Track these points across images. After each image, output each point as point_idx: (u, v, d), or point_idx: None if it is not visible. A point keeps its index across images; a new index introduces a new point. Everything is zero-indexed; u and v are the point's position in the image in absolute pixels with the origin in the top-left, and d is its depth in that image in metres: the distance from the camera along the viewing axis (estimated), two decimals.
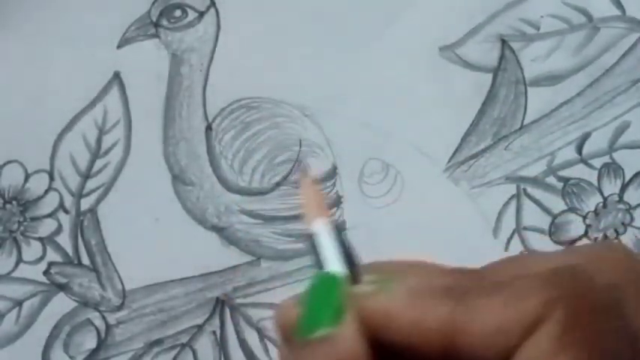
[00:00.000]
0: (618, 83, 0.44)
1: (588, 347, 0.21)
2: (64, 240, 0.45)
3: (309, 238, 0.25)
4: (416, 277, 0.23)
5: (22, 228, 0.45)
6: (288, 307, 0.24)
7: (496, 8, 0.45)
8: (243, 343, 0.44)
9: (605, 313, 0.22)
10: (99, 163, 0.45)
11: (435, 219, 0.43)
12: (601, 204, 0.44)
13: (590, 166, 0.44)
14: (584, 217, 0.44)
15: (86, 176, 0.45)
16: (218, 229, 0.45)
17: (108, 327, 0.44)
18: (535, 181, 0.44)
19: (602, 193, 0.44)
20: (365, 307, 0.23)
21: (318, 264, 0.24)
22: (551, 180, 0.44)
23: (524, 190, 0.44)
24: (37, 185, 0.45)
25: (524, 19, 0.45)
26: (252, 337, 0.44)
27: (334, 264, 0.24)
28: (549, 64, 0.45)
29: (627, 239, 0.44)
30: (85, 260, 0.45)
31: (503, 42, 0.45)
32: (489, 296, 0.22)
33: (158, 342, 0.44)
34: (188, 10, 0.46)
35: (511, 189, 0.44)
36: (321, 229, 0.24)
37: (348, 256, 0.24)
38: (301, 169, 0.29)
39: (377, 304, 0.23)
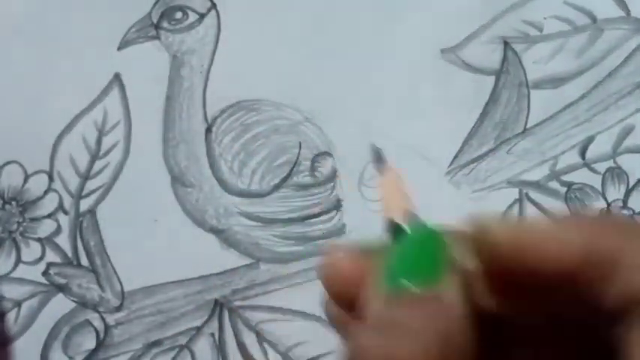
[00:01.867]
0: (622, 85, 0.44)
1: None
2: (64, 241, 0.45)
3: (393, 229, 0.22)
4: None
5: (21, 228, 0.45)
6: (345, 258, 0.22)
7: (499, 10, 0.44)
8: (241, 346, 0.43)
9: None
10: (98, 165, 0.45)
11: (436, 223, 0.43)
12: (605, 209, 0.43)
13: (594, 171, 0.43)
14: None
15: (86, 177, 0.45)
16: (217, 231, 0.45)
17: (107, 328, 0.44)
18: (538, 186, 0.43)
19: (605, 199, 0.43)
20: (499, 234, 0.21)
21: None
22: (554, 184, 0.43)
23: (527, 194, 0.43)
24: (36, 186, 0.45)
25: (527, 20, 0.44)
26: (250, 340, 0.43)
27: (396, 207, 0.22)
28: (552, 67, 0.44)
29: None
30: (84, 261, 0.45)
31: (506, 44, 0.44)
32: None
33: (157, 343, 0.44)
34: (189, 12, 0.46)
35: (513, 193, 0.43)
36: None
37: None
38: (378, 158, 0.27)
39: (512, 230, 0.21)
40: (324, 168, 0.45)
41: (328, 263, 0.23)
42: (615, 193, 0.43)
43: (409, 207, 0.23)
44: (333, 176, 0.45)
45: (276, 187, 0.45)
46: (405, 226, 0.22)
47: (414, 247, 0.22)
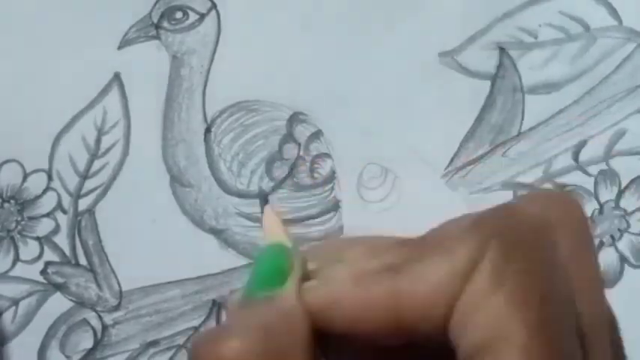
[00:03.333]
0: (614, 91, 0.45)
1: (525, 278, 0.21)
2: (62, 240, 0.45)
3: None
4: (357, 258, 0.24)
5: (19, 227, 0.45)
6: (239, 290, 0.25)
7: (495, 16, 0.46)
8: None
9: (539, 245, 0.22)
10: (97, 164, 0.45)
11: (432, 224, 0.44)
12: (597, 210, 0.44)
13: (587, 173, 0.45)
14: None
15: (84, 176, 0.45)
16: (216, 232, 0.45)
17: (104, 327, 0.44)
18: (532, 188, 0.45)
19: (598, 200, 0.44)
20: (309, 302, 0.23)
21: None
22: (548, 187, 0.45)
23: None
24: (35, 185, 0.45)
25: (522, 27, 0.46)
26: None
27: (281, 238, 0.25)
28: (547, 73, 0.45)
29: (624, 245, 0.44)
30: (83, 260, 0.44)
31: (502, 50, 0.46)
32: (425, 259, 0.22)
33: (154, 343, 0.44)
34: (189, 12, 0.46)
35: (508, 195, 0.45)
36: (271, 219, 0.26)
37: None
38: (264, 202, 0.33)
39: (320, 296, 0.23)
40: (323, 169, 0.45)
41: (229, 295, 0.26)
42: (607, 194, 0.45)
43: (281, 235, 0.25)
44: (331, 178, 0.45)
45: (275, 188, 0.45)
46: (266, 246, 0.25)
47: (266, 262, 0.24)
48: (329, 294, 0.23)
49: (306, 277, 0.24)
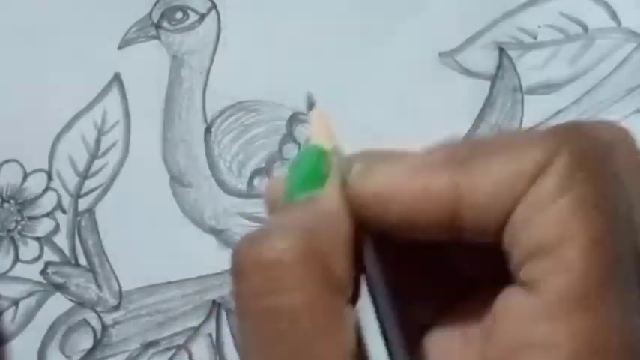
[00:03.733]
0: (613, 92, 0.45)
1: (593, 186, 0.21)
2: (62, 240, 0.45)
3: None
4: (412, 155, 0.23)
5: (19, 227, 0.45)
6: (276, 182, 0.25)
7: (495, 17, 0.46)
8: (239, 347, 0.44)
9: (606, 159, 0.22)
10: (97, 164, 0.45)
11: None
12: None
13: None
14: None
15: (84, 176, 0.45)
16: (216, 232, 0.45)
17: (104, 327, 0.44)
18: None
19: None
20: (361, 191, 0.23)
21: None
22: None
23: None
24: (35, 185, 0.45)
25: (522, 28, 0.46)
26: None
27: (322, 140, 0.25)
28: (546, 73, 0.46)
29: None
30: (82, 260, 0.44)
31: (502, 50, 0.46)
32: (490, 156, 0.22)
33: (154, 343, 0.44)
34: (189, 12, 0.46)
35: None
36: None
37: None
38: (310, 103, 0.32)
39: (374, 185, 0.23)
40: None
41: (266, 186, 0.26)
42: None
43: (323, 137, 0.25)
44: None
45: None
46: (303, 149, 0.26)
47: (303, 164, 0.24)
48: (386, 180, 0.22)
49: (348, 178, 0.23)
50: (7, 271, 0.44)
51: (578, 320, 0.20)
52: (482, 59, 0.46)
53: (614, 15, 0.46)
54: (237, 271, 0.22)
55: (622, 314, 0.21)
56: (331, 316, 0.21)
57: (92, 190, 0.45)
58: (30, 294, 0.44)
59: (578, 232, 0.21)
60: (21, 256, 0.44)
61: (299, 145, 0.45)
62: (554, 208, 0.21)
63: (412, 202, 0.22)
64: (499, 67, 0.46)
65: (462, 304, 0.25)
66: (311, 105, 0.37)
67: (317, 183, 0.23)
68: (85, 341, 0.44)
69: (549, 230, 0.21)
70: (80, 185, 0.45)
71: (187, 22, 0.46)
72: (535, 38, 0.46)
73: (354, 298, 0.23)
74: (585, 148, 0.22)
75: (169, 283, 0.44)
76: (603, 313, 0.20)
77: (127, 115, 0.45)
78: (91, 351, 0.44)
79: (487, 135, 0.24)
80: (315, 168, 0.24)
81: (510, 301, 0.22)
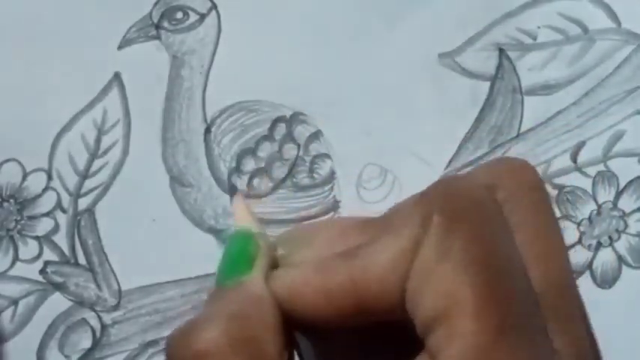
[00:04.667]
0: (613, 93, 0.45)
1: (469, 245, 0.22)
2: (61, 239, 0.45)
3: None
4: (322, 244, 0.24)
5: (19, 226, 0.44)
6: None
7: (495, 17, 0.46)
8: None
9: (481, 213, 0.22)
10: (97, 163, 0.45)
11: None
12: (595, 211, 0.45)
13: (585, 174, 0.45)
14: (579, 225, 0.44)
15: (84, 176, 0.45)
16: (215, 232, 0.45)
17: (103, 327, 0.44)
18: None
19: (596, 201, 0.45)
20: (275, 290, 0.24)
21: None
22: (546, 187, 0.45)
23: None
24: (34, 184, 0.45)
25: (521, 29, 0.46)
26: None
27: (249, 224, 0.25)
28: (546, 74, 0.46)
29: (621, 246, 0.45)
30: (82, 260, 0.44)
31: (501, 51, 0.46)
32: (376, 242, 0.23)
33: (153, 343, 0.44)
34: (189, 12, 0.46)
35: None
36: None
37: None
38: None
39: (284, 284, 0.24)
40: (323, 170, 0.45)
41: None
42: (605, 195, 0.45)
43: (249, 221, 0.27)
44: (331, 178, 0.45)
45: (274, 188, 0.45)
46: (233, 232, 0.27)
47: (233, 248, 0.25)
48: (292, 282, 0.24)
49: (275, 263, 0.24)
50: (6, 271, 0.44)
51: None
52: (482, 60, 0.46)
53: (614, 16, 0.46)
54: None
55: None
56: None
57: (92, 190, 0.45)
58: (29, 293, 0.44)
59: (464, 298, 0.21)
60: (20, 256, 0.44)
61: (298, 146, 0.45)
62: (436, 277, 0.22)
63: (317, 300, 0.23)
64: (499, 67, 0.46)
65: None
66: (233, 190, 0.39)
67: (246, 266, 0.24)
68: (84, 341, 0.44)
69: (437, 301, 0.21)
70: (80, 185, 0.45)
71: (187, 22, 0.46)
72: (535, 39, 0.46)
73: None
74: (456, 208, 0.22)
75: (169, 282, 0.44)
76: None
77: (127, 114, 0.45)
78: (90, 351, 0.44)
79: (383, 215, 0.25)
80: (244, 251, 0.25)
81: None
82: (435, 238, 0.22)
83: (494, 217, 0.23)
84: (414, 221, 0.22)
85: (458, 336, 0.21)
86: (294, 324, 0.24)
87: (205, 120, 0.45)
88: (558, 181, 0.45)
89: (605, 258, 0.45)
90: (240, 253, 0.25)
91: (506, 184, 0.24)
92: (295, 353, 0.25)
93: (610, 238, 0.44)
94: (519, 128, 0.45)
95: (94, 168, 0.45)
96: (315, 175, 0.45)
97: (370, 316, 0.23)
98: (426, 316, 0.22)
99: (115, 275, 0.44)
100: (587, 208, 0.45)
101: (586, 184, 0.45)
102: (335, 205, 0.45)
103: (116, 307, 0.44)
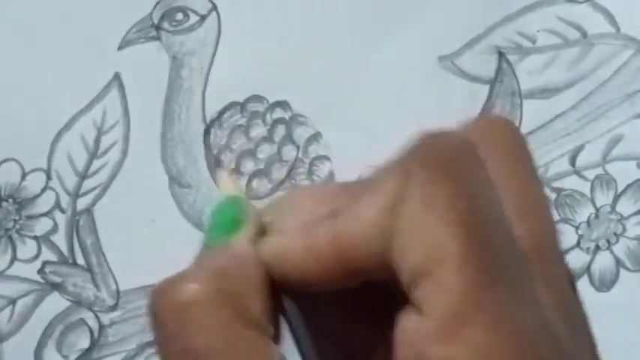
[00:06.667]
0: (611, 97, 0.46)
1: (452, 197, 0.22)
2: (60, 239, 0.44)
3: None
4: (307, 208, 0.24)
5: (17, 226, 0.44)
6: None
7: (494, 21, 0.46)
8: None
9: (464, 165, 0.22)
10: (96, 164, 0.45)
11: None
12: (593, 214, 0.45)
13: (584, 178, 0.45)
14: (577, 228, 0.45)
15: (83, 176, 0.45)
16: None
17: (101, 327, 0.44)
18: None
19: (594, 204, 0.45)
20: (263, 256, 0.24)
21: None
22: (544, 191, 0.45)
23: None
24: (33, 184, 0.45)
25: (521, 32, 0.46)
26: None
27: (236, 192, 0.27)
28: (545, 78, 0.46)
29: (619, 250, 0.45)
30: (80, 260, 0.44)
31: (501, 54, 0.46)
32: (359, 200, 0.23)
33: (151, 343, 0.44)
34: (190, 13, 0.46)
35: None
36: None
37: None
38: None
39: (271, 249, 0.24)
40: (322, 172, 0.46)
41: None
42: (604, 198, 0.45)
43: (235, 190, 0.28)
44: (330, 180, 0.45)
45: (274, 189, 0.45)
46: (223, 198, 0.27)
47: (222, 212, 0.25)
48: (278, 245, 0.24)
49: (262, 229, 0.25)
50: (4, 270, 0.44)
51: (470, 335, 0.21)
52: (482, 63, 0.46)
53: (613, 21, 0.46)
54: (153, 314, 0.23)
55: (512, 314, 0.21)
56: (249, 355, 0.22)
57: (91, 190, 0.45)
58: (27, 293, 0.44)
59: (450, 251, 0.21)
60: (18, 255, 0.44)
61: (298, 147, 0.45)
62: (420, 230, 0.21)
63: (303, 261, 0.23)
64: (498, 71, 0.46)
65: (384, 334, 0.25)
66: (218, 164, 0.39)
67: (233, 230, 0.25)
68: (82, 341, 0.44)
69: (421, 254, 0.21)
70: (79, 185, 0.45)
71: (188, 24, 0.46)
72: (534, 43, 0.46)
73: (277, 338, 0.24)
74: (438, 160, 0.22)
75: None
76: (493, 321, 0.21)
77: (126, 115, 0.45)
78: (88, 351, 0.44)
79: (361, 178, 0.25)
80: (231, 216, 0.25)
81: (406, 324, 0.22)
82: (418, 190, 0.22)
83: (477, 169, 0.23)
84: (396, 175, 0.22)
85: (443, 287, 0.21)
86: (282, 290, 0.24)
87: (205, 121, 0.45)
88: (557, 184, 0.45)
89: (604, 261, 0.45)
90: (227, 217, 0.25)
91: (488, 140, 0.24)
92: (284, 321, 0.25)
93: (608, 241, 0.44)
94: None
95: (93, 168, 0.45)
96: (314, 177, 0.45)
97: (357, 276, 0.23)
98: (411, 270, 0.22)
99: (113, 275, 0.44)
100: (586, 212, 0.45)
101: (584, 187, 0.45)
102: None
103: (114, 308, 0.44)
